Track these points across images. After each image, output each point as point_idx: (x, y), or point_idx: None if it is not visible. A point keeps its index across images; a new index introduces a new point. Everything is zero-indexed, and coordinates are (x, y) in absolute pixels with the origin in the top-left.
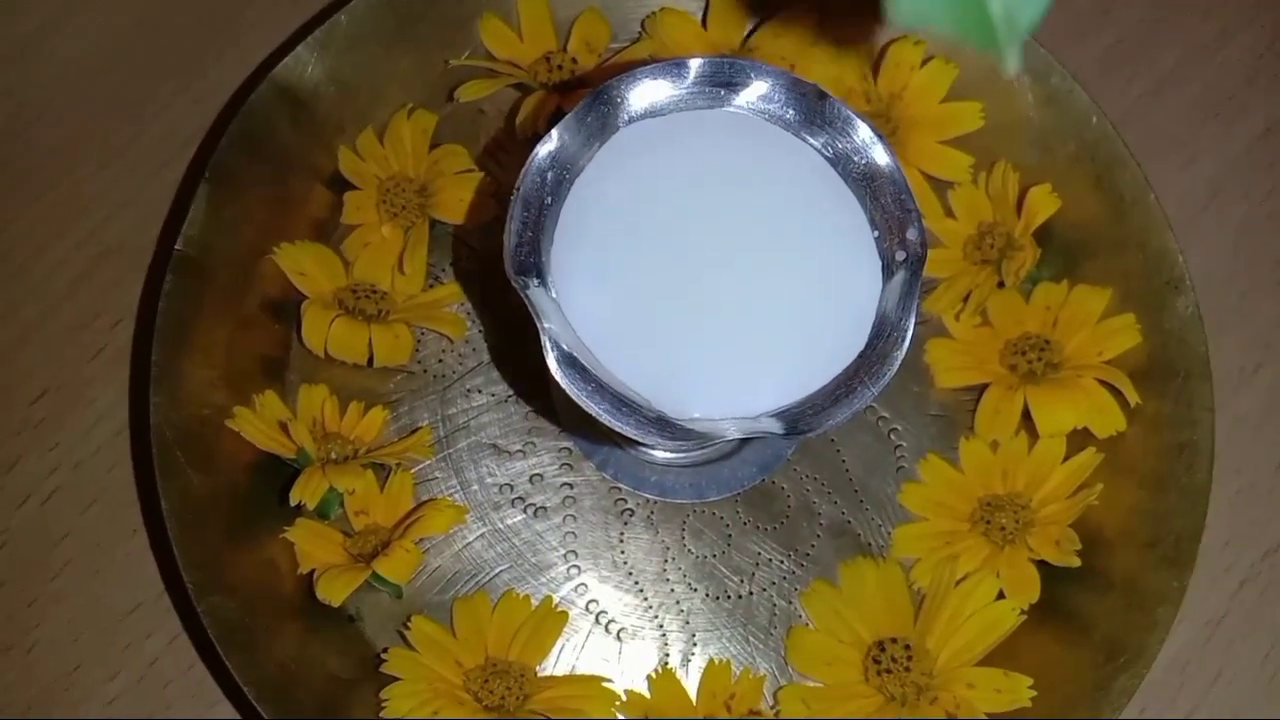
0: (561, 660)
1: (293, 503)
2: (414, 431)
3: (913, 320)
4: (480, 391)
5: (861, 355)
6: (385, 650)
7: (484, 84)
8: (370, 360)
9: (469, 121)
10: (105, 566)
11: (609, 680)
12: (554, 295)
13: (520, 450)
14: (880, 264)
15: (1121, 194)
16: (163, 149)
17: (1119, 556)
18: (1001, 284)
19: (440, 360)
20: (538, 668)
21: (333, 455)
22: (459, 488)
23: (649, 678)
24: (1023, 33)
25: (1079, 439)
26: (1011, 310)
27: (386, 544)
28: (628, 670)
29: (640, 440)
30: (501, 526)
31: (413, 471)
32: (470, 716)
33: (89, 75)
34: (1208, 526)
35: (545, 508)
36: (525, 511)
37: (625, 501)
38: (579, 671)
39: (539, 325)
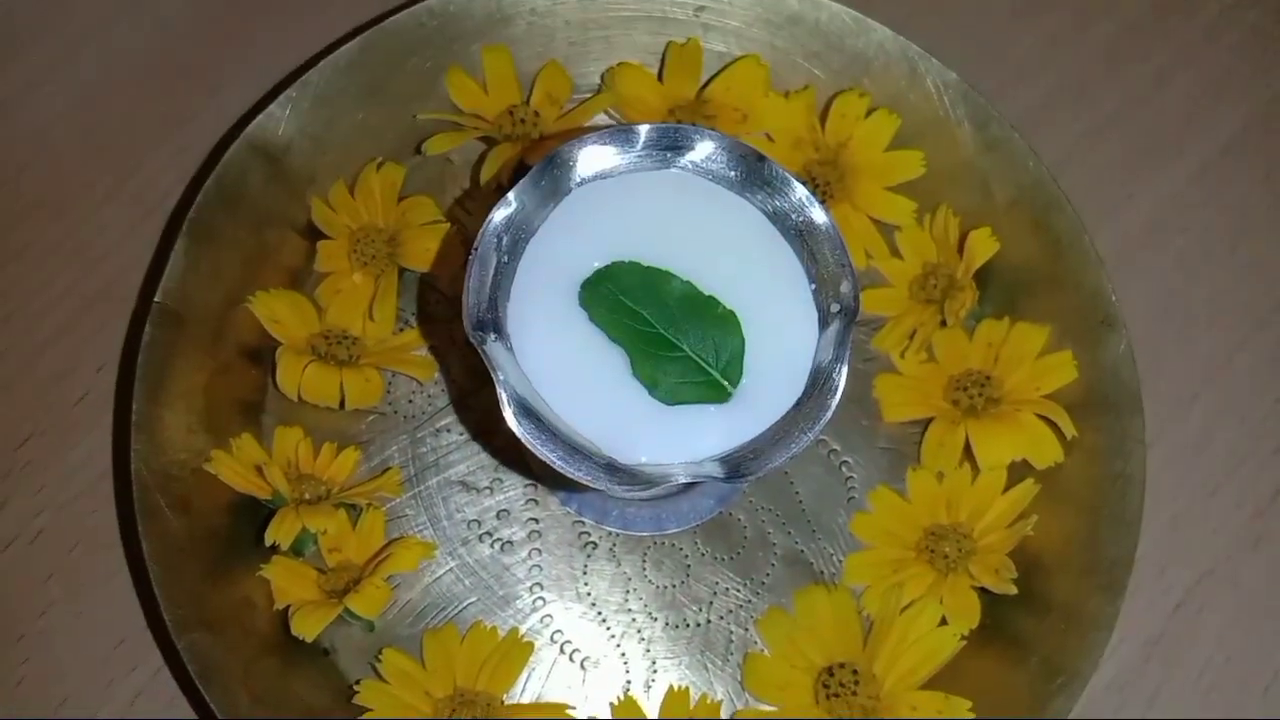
0: (528, 689)
1: (268, 543)
2: (385, 471)
3: (845, 370)
4: (449, 430)
5: (799, 403)
6: (358, 682)
7: (451, 137)
8: (342, 403)
9: (437, 172)
10: (90, 605)
11: (573, 708)
12: (510, 348)
13: (488, 487)
14: (817, 316)
15: (1058, 236)
16: (143, 201)
17: (1057, 582)
18: (944, 322)
19: (410, 401)
20: (504, 697)
21: (306, 496)
22: (429, 524)
23: (611, 704)
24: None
25: (1020, 470)
26: (955, 347)
27: (358, 580)
28: (592, 697)
29: (592, 486)
30: (470, 560)
31: (384, 509)
32: None
33: (70, 132)
34: (1145, 552)
35: (512, 542)
36: (493, 546)
37: (589, 535)
38: (545, 699)
39: (494, 378)
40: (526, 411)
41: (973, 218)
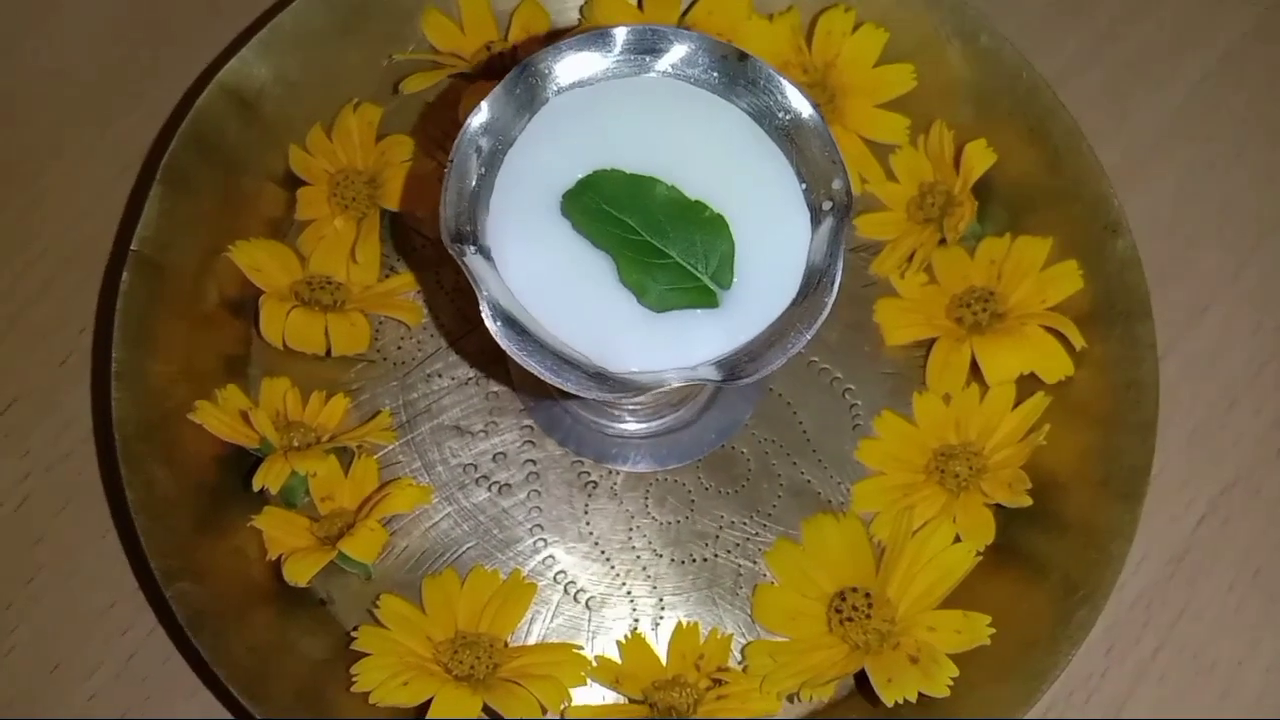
0: (533, 631)
1: (255, 488)
2: (375, 415)
3: (840, 266)
4: (440, 375)
5: (794, 303)
6: (356, 628)
7: (428, 76)
8: (329, 350)
9: (415, 114)
10: (80, 567)
11: (579, 647)
12: (492, 261)
13: (483, 430)
14: (809, 215)
15: (1056, 145)
16: (120, 156)
17: (1073, 496)
18: (944, 241)
19: (399, 347)
20: (508, 639)
21: (295, 443)
22: (423, 470)
23: (619, 643)
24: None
25: (1029, 386)
26: (957, 266)
27: (352, 525)
28: (598, 637)
29: (582, 395)
30: (467, 505)
31: (376, 456)
32: (440, 686)
33: (44, 89)
34: (1164, 468)
35: (509, 484)
36: (490, 489)
37: (589, 474)
38: (550, 641)
39: (477, 291)
40: (511, 324)
41: (967, 133)
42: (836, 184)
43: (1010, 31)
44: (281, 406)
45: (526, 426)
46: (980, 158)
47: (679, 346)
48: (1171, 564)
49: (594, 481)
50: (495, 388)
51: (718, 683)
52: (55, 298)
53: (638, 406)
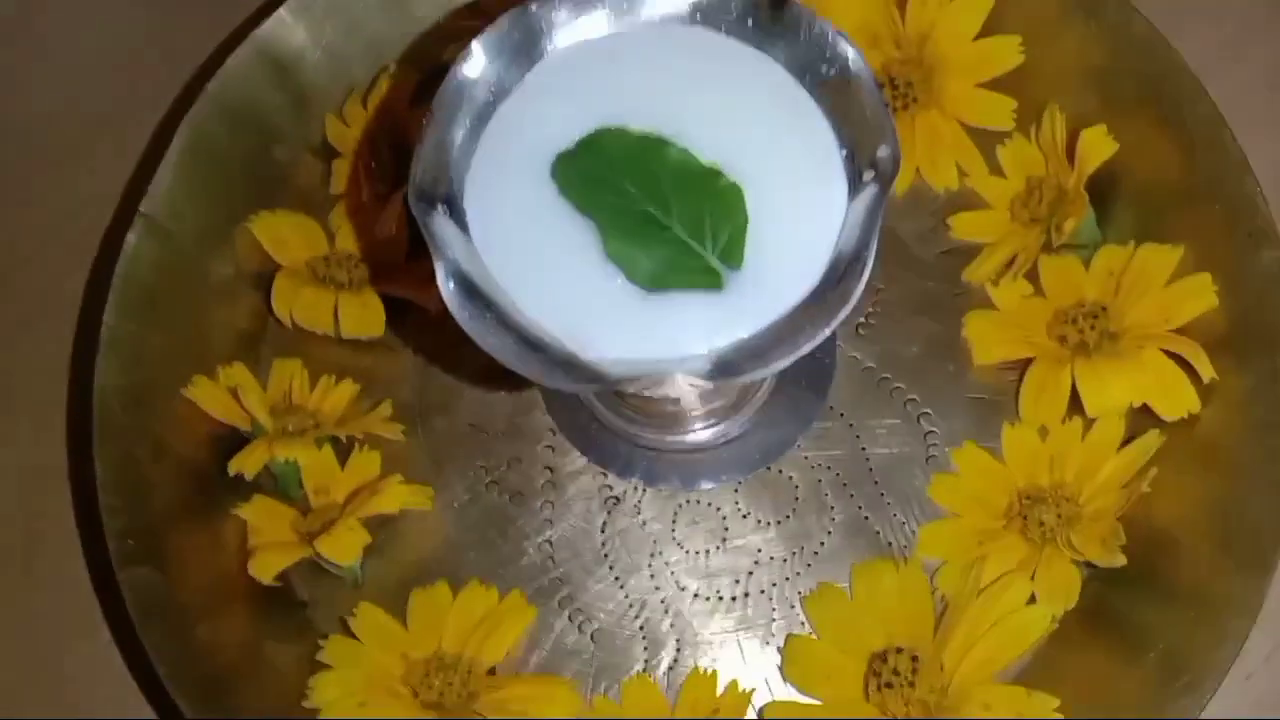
0: (528, 662)
1: (230, 472)
2: (379, 404)
3: (874, 247)
4: (461, 369)
5: (816, 291)
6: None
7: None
8: (339, 331)
9: None
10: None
11: (571, 683)
12: (465, 227)
13: (501, 432)
14: (846, 185)
15: (1192, 137)
16: (143, 117)
17: (1185, 560)
18: (1050, 245)
19: (422, 336)
20: (496, 666)
21: (289, 428)
22: (432, 469)
23: (623, 683)
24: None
25: (1141, 424)
26: (1067, 277)
27: (334, 523)
28: (601, 675)
29: (545, 384)
30: (473, 511)
31: (379, 451)
32: (402, 716)
33: (71, 42)
34: None
35: (523, 493)
36: (501, 496)
37: (611, 489)
38: (548, 674)
39: (434, 256)
40: (473, 295)
41: (1086, 122)
42: (883, 150)
43: (1145, 3)
44: (289, 389)
45: (549, 430)
46: (1098, 146)
47: (668, 334)
48: None
49: (616, 498)
50: (521, 387)
51: None
52: (52, 257)
53: (672, 412)
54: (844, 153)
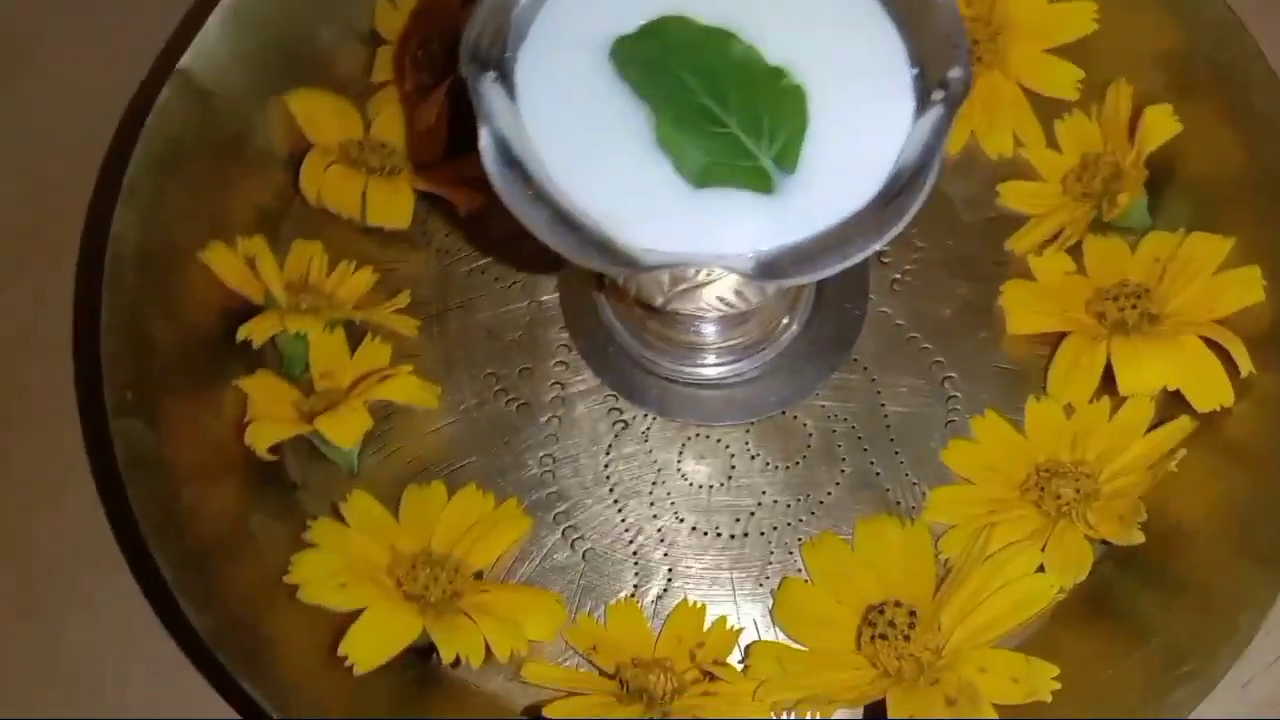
0: (516, 573)
1: (239, 337)
2: (397, 294)
3: (936, 167)
4: (485, 272)
5: (871, 203)
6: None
7: None
8: (364, 217)
9: None
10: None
11: (559, 596)
12: (515, 99)
13: (515, 340)
14: (912, 105)
15: (1259, 127)
16: None
17: (1198, 551)
18: (1100, 221)
19: (447, 235)
20: (484, 570)
21: (303, 305)
22: (442, 369)
23: (609, 605)
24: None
25: (1171, 410)
26: (1112, 258)
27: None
28: (588, 595)
29: (575, 261)
30: (479, 416)
31: (390, 346)
32: (383, 603)
33: None
34: None
35: (530, 404)
36: (508, 404)
37: (620, 413)
38: (535, 586)
39: (479, 120)
40: (513, 164)
41: (1151, 101)
42: (955, 71)
43: None
44: (306, 270)
45: (564, 346)
46: (1162, 125)
47: (710, 230)
48: None
49: (625, 422)
50: (543, 297)
51: (709, 677)
52: (84, 107)
53: (692, 341)
54: (914, 71)
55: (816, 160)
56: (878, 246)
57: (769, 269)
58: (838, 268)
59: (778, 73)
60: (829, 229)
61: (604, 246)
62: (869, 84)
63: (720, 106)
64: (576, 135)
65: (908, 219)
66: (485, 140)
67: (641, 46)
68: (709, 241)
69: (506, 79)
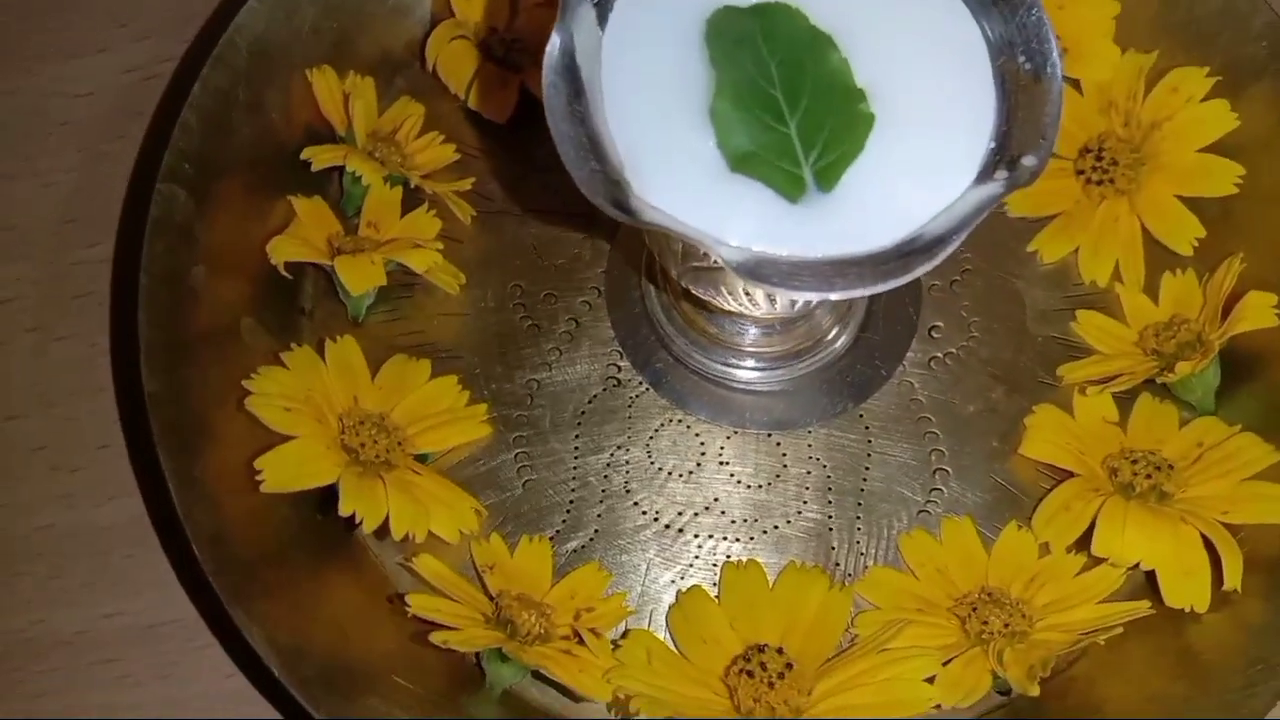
0: (458, 474)
1: (302, 157)
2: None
3: (958, 241)
4: (551, 197)
5: (880, 252)
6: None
7: None
8: (467, 98)
9: None
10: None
11: (479, 508)
12: (602, 27)
13: (555, 266)
14: (972, 178)
15: None
16: None
17: None
18: (1154, 381)
19: (532, 146)
20: (426, 456)
21: (376, 153)
22: (476, 263)
23: (524, 537)
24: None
25: (1137, 592)
26: (1157, 424)
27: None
28: (510, 520)
29: (581, 189)
30: (490, 319)
31: (442, 222)
32: (318, 441)
33: None
34: None
35: (540, 328)
36: (521, 320)
37: (618, 370)
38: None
39: (558, 18)
40: (572, 78)
41: (1262, 286)
42: (1030, 160)
43: None
44: (397, 125)
45: (595, 289)
46: (1259, 312)
47: (720, 213)
48: None
49: (618, 380)
50: (598, 238)
51: (578, 639)
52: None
53: (714, 334)
54: (991, 145)
55: (853, 190)
56: (864, 294)
57: (753, 270)
58: (816, 298)
59: (859, 94)
60: (825, 259)
61: (614, 186)
62: (941, 138)
63: (790, 106)
64: (640, 81)
65: (906, 280)
66: (553, 43)
67: (743, 22)
68: (716, 221)
69: (603, 8)
